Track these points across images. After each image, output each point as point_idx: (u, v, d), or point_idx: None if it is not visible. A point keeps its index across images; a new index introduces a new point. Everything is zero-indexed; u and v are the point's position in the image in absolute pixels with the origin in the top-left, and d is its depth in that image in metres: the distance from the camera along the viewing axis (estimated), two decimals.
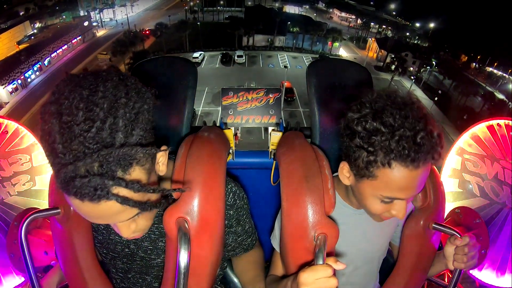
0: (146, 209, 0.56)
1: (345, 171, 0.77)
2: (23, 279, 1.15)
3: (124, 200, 0.52)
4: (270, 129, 1.16)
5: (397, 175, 0.66)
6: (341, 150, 0.79)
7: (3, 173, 1.20)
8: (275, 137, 1.10)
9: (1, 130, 1.18)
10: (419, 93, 24.47)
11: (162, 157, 0.66)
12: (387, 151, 0.65)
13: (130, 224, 0.64)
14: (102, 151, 0.48)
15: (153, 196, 0.60)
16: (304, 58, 28.51)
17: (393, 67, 26.02)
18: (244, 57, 26.50)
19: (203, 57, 26.55)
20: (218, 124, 1.18)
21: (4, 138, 1.18)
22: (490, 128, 1.24)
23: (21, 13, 29.94)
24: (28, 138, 1.20)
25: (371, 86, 1.08)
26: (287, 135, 1.00)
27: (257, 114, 1.16)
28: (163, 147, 0.65)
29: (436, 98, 23.52)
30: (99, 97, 0.51)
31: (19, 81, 21.38)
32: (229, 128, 1.14)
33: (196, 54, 25.82)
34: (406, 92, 0.73)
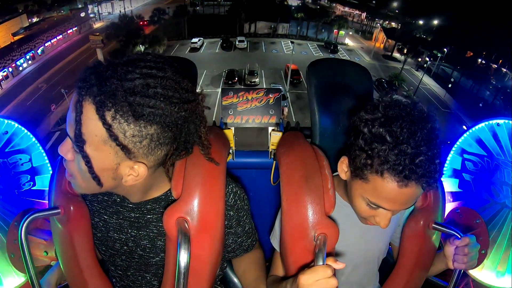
0: (77, 147, 0.59)
1: (344, 166, 0.79)
2: (23, 279, 1.15)
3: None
4: (270, 129, 1.16)
5: (386, 186, 0.67)
6: (345, 144, 0.79)
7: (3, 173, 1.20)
8: (275, 137, 1.10)
9: (1, 130, 1.18)
10: (431, 82, 24.09)
11: (130, 175, 0.63)
12: (383, 161, 0.65)
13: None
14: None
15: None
16: (310, 45, 27.79)
17: (405, 50, 24.64)
18: (245, 42, 25.66)
19: (202, 43, 26.06)
20: (218, 124, 1.18)
21: (4, 138, 1.18)
22: (490, 128, 1.24)
23: (20, 11, 29.76)
24: (28, 138, 1.20)
25: (371, 86, 1.08)
26: (287, 135, 1.00)
27: (257, 114, 1.16)
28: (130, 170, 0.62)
29: (450, 85, 22.81)
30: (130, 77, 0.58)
31: (10, 69, 20.84)
32: (229, 128, 1.14)
33: (195, 40, 25.42)
34: (427, 108, 0.70)
